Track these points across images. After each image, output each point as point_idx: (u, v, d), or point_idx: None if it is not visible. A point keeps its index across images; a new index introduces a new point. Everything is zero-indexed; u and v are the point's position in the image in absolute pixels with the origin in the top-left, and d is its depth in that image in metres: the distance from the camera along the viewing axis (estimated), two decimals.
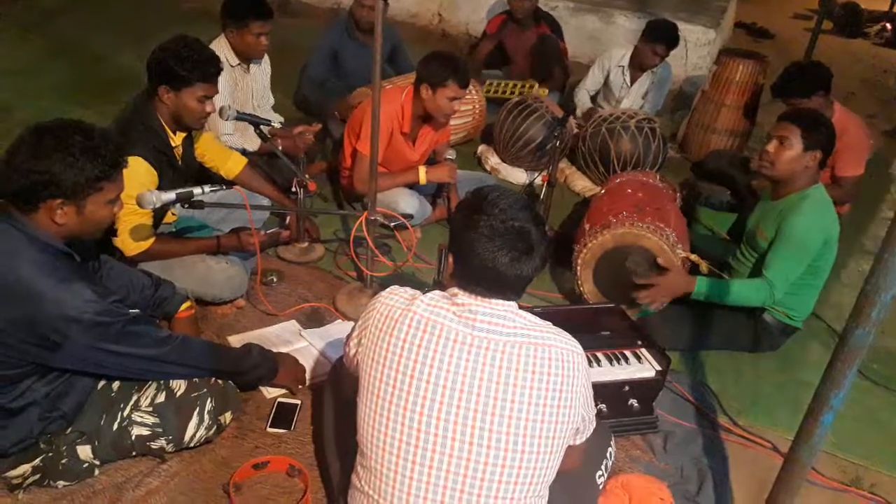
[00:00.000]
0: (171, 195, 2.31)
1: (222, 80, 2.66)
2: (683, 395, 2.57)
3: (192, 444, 2.04)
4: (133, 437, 1.95)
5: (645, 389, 2.31)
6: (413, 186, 3.40)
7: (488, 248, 1.42)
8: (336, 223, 3.45)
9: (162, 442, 1.98)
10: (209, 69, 2.48)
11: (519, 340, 1.45)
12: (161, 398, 1.98)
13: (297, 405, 2.28)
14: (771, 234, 2.66)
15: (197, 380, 2.03)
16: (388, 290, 1.58)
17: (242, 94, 3.51)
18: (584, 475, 1.83)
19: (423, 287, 1.76)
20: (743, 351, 2.83)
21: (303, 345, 2.57)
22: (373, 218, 2.65)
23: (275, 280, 2.94)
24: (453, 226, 1.54)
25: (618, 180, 3.33)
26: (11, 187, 1.71)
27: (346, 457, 1.79)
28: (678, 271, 2.70)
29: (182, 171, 2.66)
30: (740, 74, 4.36)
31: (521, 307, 1.52)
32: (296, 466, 2.06)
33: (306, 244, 3.16)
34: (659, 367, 2.30)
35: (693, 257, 2.79)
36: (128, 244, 2.46)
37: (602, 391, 2.16)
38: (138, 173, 2.34)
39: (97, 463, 1.95)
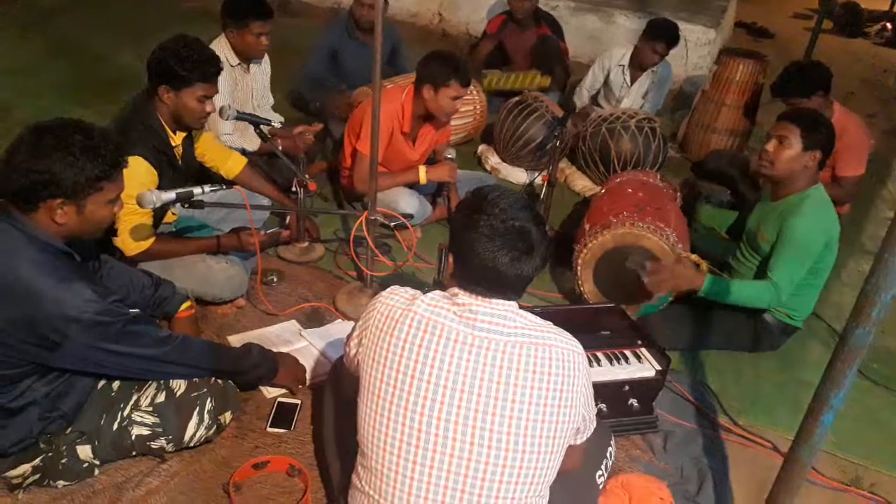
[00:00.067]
0: (171, 195, 2.31)
1: (222, 79, 2.66)
2: (683, 395, 2.57)
3: (192, 444, 2.04)
4: (133, 437, 1.95)
5: (645, 389, 2.31)
6: (413, 186, 3.40)
7: (488, 248, 1.42)
8: (336, 223, 3.45)
9: (162, 442, 1.98)
10: (209, 69, 2.48)
11: (520, 340, 1.45)
12: (161, 398, 1.98)
13: (297, 405, 2.28)
14: (772, 236, 2.66)
15: (197, 379, 2.03)
16: (388, 290, 1.58)
17: (242, 94, 3.50)
18: (585, 475, 1.83)
19: (423, 287, 1.76)
20: (743, 350, 2.83)
21: (303, 344, 2.57)
22: (373, 217, 2.65)
23: (275, 280, 2.94)
24: (453, 225, 1.54)
25: (618, 180, 3.33)
26: (11, 187, 1.71)
27: (346, 457, 1.79)
28: (687, 265, 2.70)
29: (182, 171, 2.65)
30: (740, 74, 4.36)
31: (521, 307, 1.52)
32: (296, 466, 2.06)
33: (306, 244, 3.16)
34: (659, 367, 2.31)
35: (693, 257, 2.79)
36: (128, 244, 2.46)
37: (602, 391, 2.16)
38: (138, 173, 2.34)
39: (97, 463, 1.95)
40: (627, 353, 2.35)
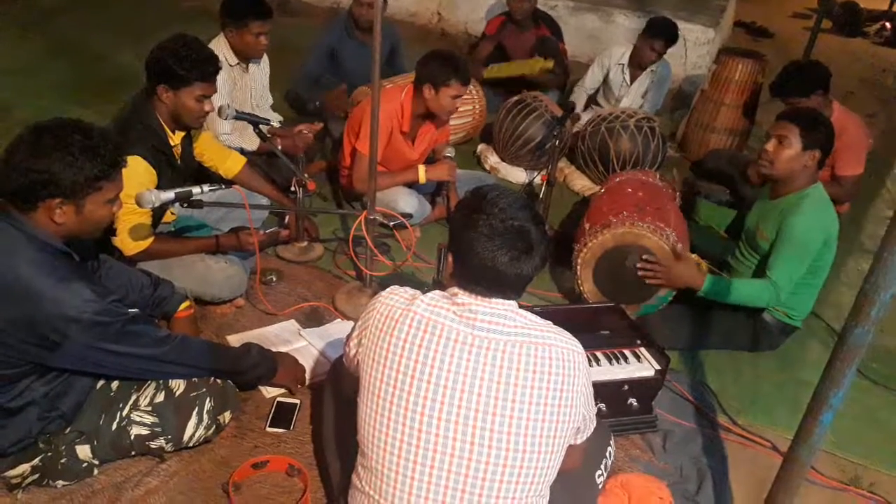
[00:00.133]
0: (170, 194, 2.31)
1: (221, 79, 2.66)
2: (683, 395, 2.57)
3: (191, 444, 2.04)
4: (132, 437, 1.95)
5: (644, 389, 2.31)
6: (412, 185, 3.39)
7: (488, 248, 1.42)
8: (335, 222, 3.45)
9: (161, 441, 1.98)
10: (207, 68, 2.48)
11: (520, 340, 1.45)
12: (160, 398, 1.98)
13: (296, 405, 2.28)
14: (771, 234, 2.66)
15: (196, 379, 2.03)
16: (387, 290, 1.57)
17: (241, 94, 3.50)
18: (584, 475, 1.83)
19: (422, 286, 1.76)
20: (742, 350, 2.84)
21: (302, 344, 2.56)
22: (372, 217, 2.65)
23: (274, 279, 2.94)
24: (453, 225, 1.54)
25: (617, 179, 3.33)
26: (10, 186, 1.71)
27: (346, 456, 1.79)
28: (688, 264, 2.70)
29: (181, 171, 2.65)
30: (739, 73, 4.36)
31: (521, 306, 1.51)
32: (295, 466, 2.05)
33: (305, 243, 3.16)
34: (658, 367, 2.30)
35: (693, 257, 2.79)
36: (127, 243, 2.46)
37: (601, 390, 2.16)
38: (137, 172, 2.34)
39: (96, 462, 1.95)
40: (627, 352, 2.35)
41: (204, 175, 2.93)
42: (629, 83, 4.53)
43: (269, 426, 2.21)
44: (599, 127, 3.95)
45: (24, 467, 1.87)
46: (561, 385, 1.45)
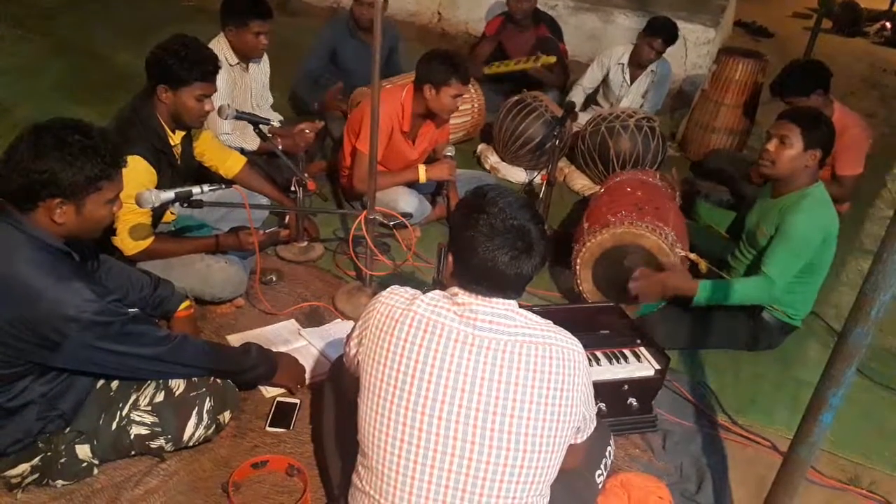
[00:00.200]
0: (170, 194, 2.31)
1: (221, 78, 2.66)
2: (682, 394, 2.57)
3: (191, 444, 2.04)
4: (132, 437, 1.95)
5: (644, 388, 2.31)
6: (412, 185, 3.39)
7: (488, 247, 1.42)
8: (335, 222, 3.45)
9: (161, 441, 1.98)
10: (207, 68, 2.48)
11: (520, 339, 1.45)
12: (160, 397, 1.98)
13: (296, 404, 2.28)
14: (770, 231, 2.66)
15: (196, 379, 2.03)
16: (388, 289, 1.57)
17: (241, 94, 3.50)
18: (584, 474, 1.83)
19: (422, 286, 1.76)
20: (742, 350, 2.83)
21: (302, 344, 2.56)
22: (372, 217, 2.65)
23: (274, 279, 2.94)
24: (453, 225, 1.54)
25: (617, 179, 3.33)
26: (10, 186, 1.71)
27: (346, 456, 1.79)
28: (677, 271, 2.69)
29: (181, 171, 2.66)
30: (740, 73, 4.36)
31: (521, 306, 1.52)
32: (295, 466, 2.05)
33: (305, 243, 3.16)
34: (658, 366, 2.30)
35: (692, 256, 2.79)
36: (127, 243, 2.46)
37: (601, 390, 2.16)
38: (137, 172, 2.34)
39: (96, 462, 1.95)
40: (626, 352, 2.35)
41: (204, 175, 2.93)
42: (629, 83, 4.53)
43: (269, 426, 2.21)
44: (599, 126, 3.95)
45: (24, 467, 1.87)
46: (561, 384, 1.45)
